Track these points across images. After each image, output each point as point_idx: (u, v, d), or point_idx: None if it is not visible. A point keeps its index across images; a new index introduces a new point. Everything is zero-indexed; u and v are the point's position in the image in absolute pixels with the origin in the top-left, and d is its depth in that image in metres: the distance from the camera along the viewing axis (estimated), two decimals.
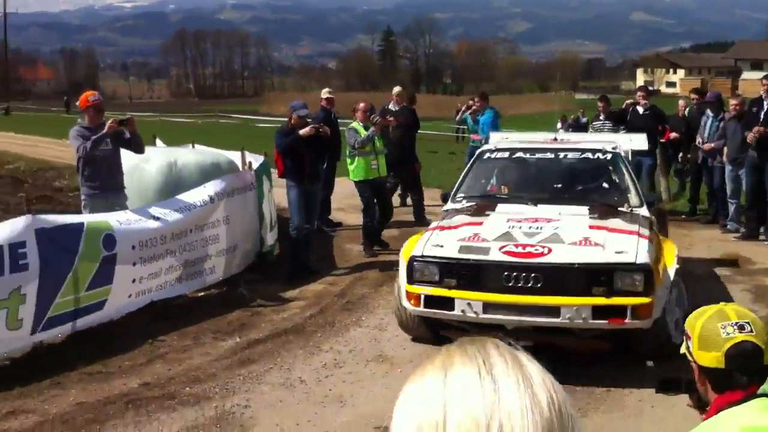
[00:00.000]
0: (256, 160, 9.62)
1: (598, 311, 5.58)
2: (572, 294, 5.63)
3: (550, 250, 5.79)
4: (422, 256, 6.05)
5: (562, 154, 7.50)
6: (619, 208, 6.71)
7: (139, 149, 8.02)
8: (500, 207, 6.82)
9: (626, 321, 5.59)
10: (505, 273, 5.73)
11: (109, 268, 6.89)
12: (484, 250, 5.91)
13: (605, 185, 7.32)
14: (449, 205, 7.25)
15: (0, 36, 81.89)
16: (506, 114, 42.84)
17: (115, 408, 5.40)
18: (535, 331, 5.84)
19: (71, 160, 18.06)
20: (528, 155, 7.61)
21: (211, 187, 8.33)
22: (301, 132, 8.79)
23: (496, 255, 5.85)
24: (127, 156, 8.01)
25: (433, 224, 6.86)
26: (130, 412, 5.34)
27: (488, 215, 6.61)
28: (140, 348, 6.61)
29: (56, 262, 6.42)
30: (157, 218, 7.52)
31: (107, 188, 7.69)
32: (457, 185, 7.57)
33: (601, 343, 5.98)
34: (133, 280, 7.19)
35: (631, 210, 6.70)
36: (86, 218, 7.11)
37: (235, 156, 9.69)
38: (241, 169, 9.24)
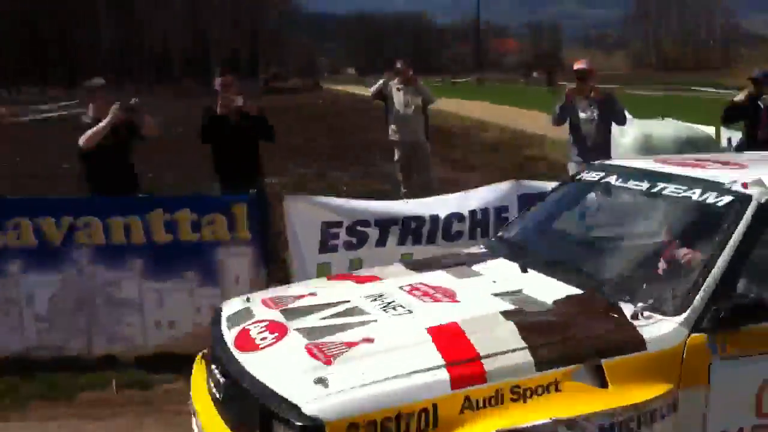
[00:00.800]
0: (735, 136, 9.21)
1: None
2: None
3: (275, 341, 3.44)
4: (218, 308, 4.22)
5: (658, 187, 4.11)
6: (620, 305, 3.42)
7: (619, 120, 8.05)
8: (478, 266, 4.19)
9: None
10: (212, 365, 3.63)
11: None
12: (245, 319, 3.79)
13: (662, 260, 3.85)
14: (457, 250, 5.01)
15: (473, 12, 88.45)
16: None
17: None
18: None
19: (541, 130, 19.03)
20: (619, 182, 4.41)
21: None
22: (736, 99, 8.55)
23: (230, 333, 3.70)
24: None
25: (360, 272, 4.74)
26: None
27: (420, 272, 4.18)
28: None
29: None
30: None
31: (588, 158, 7.90)
32: (512, 220, 5.40)
33: None
34: None
35: (639, 315, 3.32)
36: None
37: (710, 131, 9.43)
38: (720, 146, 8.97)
